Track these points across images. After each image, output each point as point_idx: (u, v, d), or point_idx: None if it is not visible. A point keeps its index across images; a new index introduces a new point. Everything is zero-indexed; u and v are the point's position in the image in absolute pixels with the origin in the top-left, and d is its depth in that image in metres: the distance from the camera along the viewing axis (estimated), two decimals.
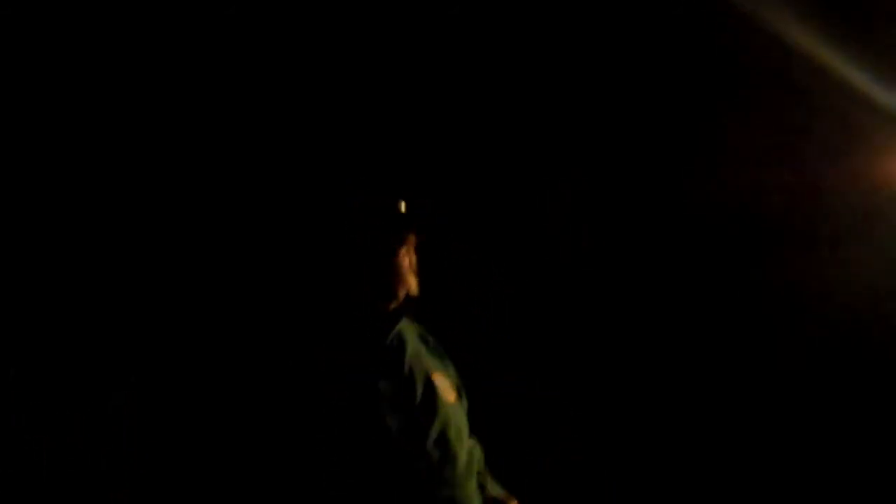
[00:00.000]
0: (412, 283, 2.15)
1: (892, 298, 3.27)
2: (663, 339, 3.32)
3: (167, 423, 2.12)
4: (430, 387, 2.13)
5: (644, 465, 3.25)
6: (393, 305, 2.13)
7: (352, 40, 3.21)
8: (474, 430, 2.24)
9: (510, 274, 3.29)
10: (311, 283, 2.15)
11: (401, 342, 2.15)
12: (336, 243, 2.12)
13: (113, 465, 2.03)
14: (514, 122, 3.32)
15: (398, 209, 2.16)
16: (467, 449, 2.15)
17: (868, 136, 3.22)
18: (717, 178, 3.28)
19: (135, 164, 2.72)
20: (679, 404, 3.30)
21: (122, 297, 2.29)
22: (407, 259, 2.15)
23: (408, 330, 2.21)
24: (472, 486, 2.12)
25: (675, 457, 3.25)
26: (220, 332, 2.27)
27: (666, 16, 3.24)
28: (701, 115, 3.31)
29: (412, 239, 2.16)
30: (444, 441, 2.09)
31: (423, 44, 3.23)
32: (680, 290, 3.34)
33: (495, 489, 2.27)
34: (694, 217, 3.34)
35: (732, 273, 3.32)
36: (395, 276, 2.12)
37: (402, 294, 2.13)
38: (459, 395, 2.27)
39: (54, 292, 2.43)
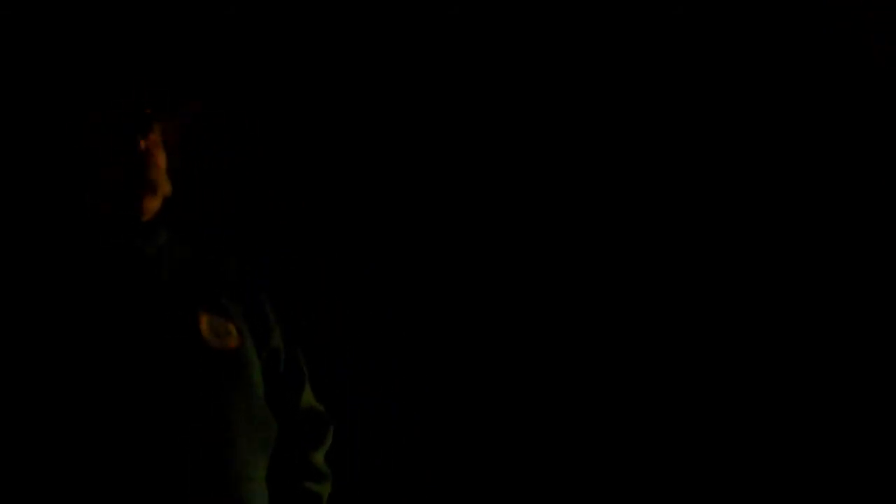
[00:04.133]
0: (152, 182, 1.84)
1: None
2: (667, 341, 3.31)
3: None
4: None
5: (643, 465, 3.26)
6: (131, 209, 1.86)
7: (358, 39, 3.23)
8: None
9: (509, 273, 3.30)
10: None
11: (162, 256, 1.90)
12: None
13: (113, 459, 2.03)
14: (514, 122, 3.33)
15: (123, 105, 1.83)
16: None
17: None
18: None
19: None
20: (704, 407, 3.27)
21: None
22: (149, 156, 1.84)
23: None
24: None
25: (675, 457, 3.26)
26: None
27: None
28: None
29: (157, 133, 1.85)
30: None
31: (422, 44, 3.24)
32: (688, 292, 3.33)
33: None
34: (699, 217, 3.34)
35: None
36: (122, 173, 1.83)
37: (145, 197, 1.85)
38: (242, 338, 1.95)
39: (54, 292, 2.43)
